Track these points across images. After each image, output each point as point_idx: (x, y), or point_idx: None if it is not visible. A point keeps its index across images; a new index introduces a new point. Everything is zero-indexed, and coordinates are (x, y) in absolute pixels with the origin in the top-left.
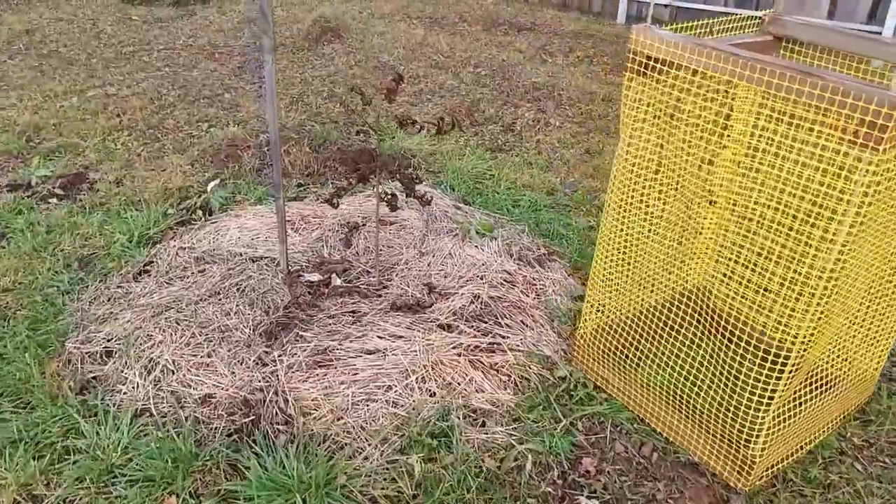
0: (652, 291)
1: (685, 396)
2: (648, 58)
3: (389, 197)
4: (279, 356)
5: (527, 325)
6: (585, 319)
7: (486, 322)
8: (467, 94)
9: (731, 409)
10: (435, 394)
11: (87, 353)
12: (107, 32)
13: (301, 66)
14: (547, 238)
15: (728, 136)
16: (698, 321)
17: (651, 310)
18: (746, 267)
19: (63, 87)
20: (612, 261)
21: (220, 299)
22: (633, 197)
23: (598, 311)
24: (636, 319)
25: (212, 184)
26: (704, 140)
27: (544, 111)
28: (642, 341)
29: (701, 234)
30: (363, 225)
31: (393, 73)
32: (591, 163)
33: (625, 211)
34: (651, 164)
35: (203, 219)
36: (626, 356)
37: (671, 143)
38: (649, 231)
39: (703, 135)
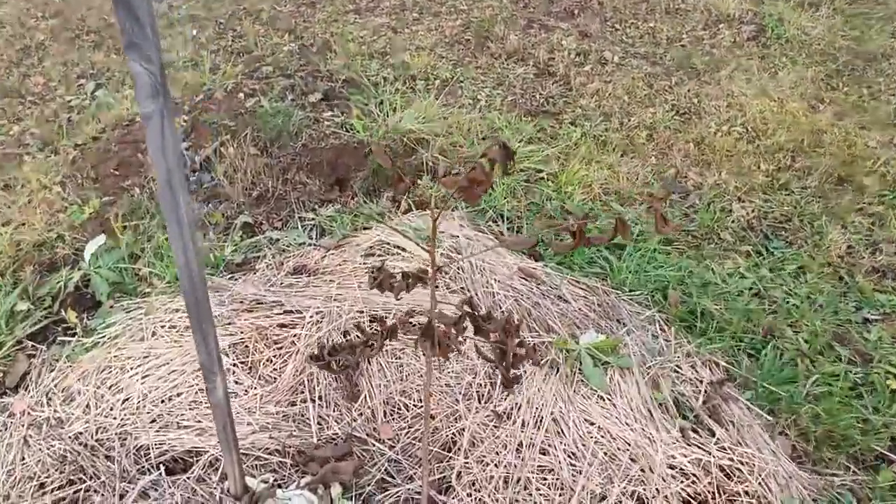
0: None
1: None
2: None
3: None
4: None
5: None
6: None
7: None
8: (471, 8)
9: None
10: None
11: None
12: None
13: None
14: (689, 331)
15: None
16: None
17: None
18: None
19: None
20: None
21: None
22: None
23: None
24: None
25: (93, 244)
26: None
27: (588, 34)
28: None
29: None
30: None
31: None
32: (691, 132)
33: None
34: None
35: (79, 328)
36: None
37: None
38: None
39: None
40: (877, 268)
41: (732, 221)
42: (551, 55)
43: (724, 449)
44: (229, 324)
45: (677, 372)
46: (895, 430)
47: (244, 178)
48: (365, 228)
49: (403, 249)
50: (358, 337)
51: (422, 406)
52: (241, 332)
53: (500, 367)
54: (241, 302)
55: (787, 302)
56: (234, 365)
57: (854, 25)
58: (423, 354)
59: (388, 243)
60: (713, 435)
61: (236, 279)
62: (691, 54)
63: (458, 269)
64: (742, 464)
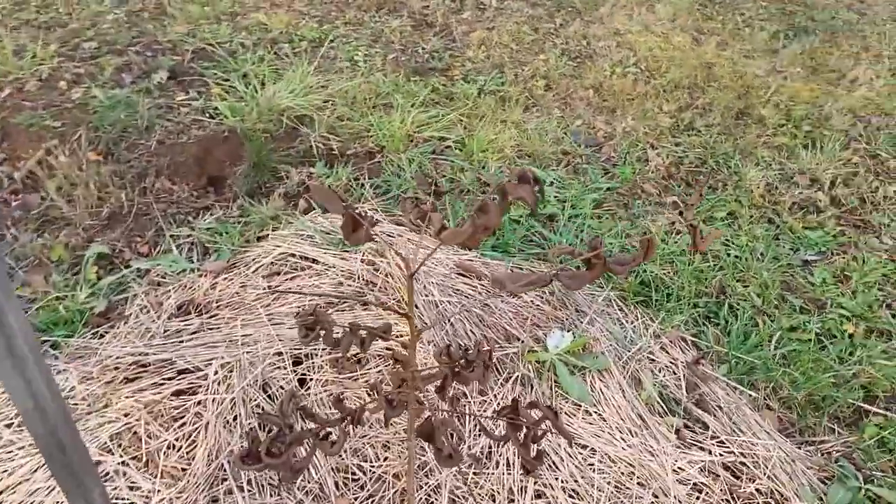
0: None
1: None
2: None
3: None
4: None
5: None
6: None
7: None
8: None
9: None
10: None
11: None
12: None
13: None
14: (646, 306)
15: None
16: None
17: None
18: None
19: None
20: None
21: None
22: None
23: None
24: None
25: None
26: None
27: None
28: None
29: None
30: (346, 423)
31: None
32: (587, 78)
33: None
34: None
35: None
36: None
37: None
38: None
39: None
40: (798, 203)
41: (652, 172)
42: (425, 3)
43: (723, 443)
44: (105, 406)
45: (652, 360)
46: (864, 379)
47: (87, 193)
48: (259, 239)
49: (315, 261)
50: (301, 419)
51: (380, 464)
52: (125, 415)
53: (520, 449)
54: (116, 368)
55: (729, 254)
56: (124, 464)
57: None
58: (406, 440)
59: (294, 255)
60: (707, 428)
61: (103, 336)
62: None
63: (385, 276)
64: (744, 456)
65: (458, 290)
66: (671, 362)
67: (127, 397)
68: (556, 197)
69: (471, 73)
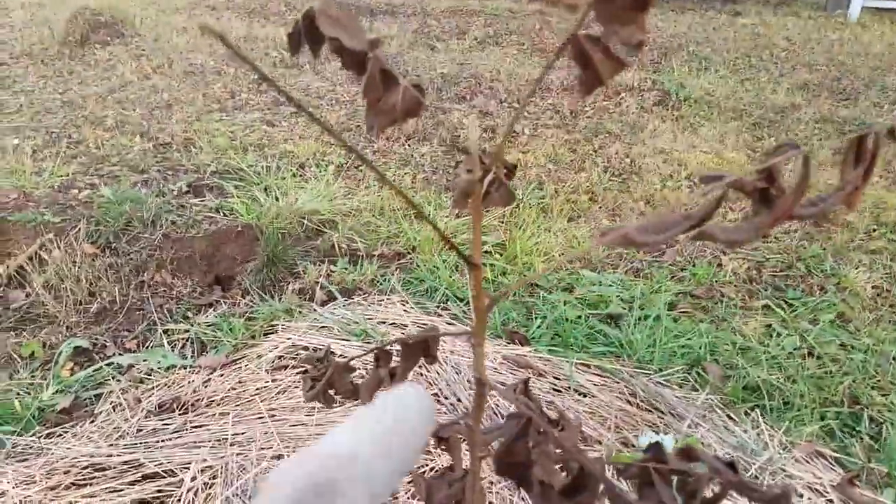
0: None
1: None
2: None
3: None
4: None
5: None
6: None
7: None
8: (353, 99)
9: None
10: None
11: None
12: None
13: (61, 81)
14: (758, 413)
15: None
16: None
17: None
18: None
19: None
20: None
21: None
22: None
23: None
24: None
25: None
26: None
27: (489, 112)
28: None
29: None
30: None
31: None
32: (635, 191)
33: None
34: None
35: None
36: None
37: None
38: None
39: None
40: None
41: (729, 276)
42: (456, 133)
43: None
44: None
45: (788, 476)
46: None
47: (76, 287)
48: (267, 334)
49: (330, 353)
50: None
51: None
52: None
53: None
54: (67, 472)
55: (852, 359)
56: None
57: (748, 87)
58: None
59: (307, 348)
60: None
61: (62, 435)
62: (603, 122)
63: (420, 366)
64: None
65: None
66: (815, 483)
67: None
68: (619, 297)
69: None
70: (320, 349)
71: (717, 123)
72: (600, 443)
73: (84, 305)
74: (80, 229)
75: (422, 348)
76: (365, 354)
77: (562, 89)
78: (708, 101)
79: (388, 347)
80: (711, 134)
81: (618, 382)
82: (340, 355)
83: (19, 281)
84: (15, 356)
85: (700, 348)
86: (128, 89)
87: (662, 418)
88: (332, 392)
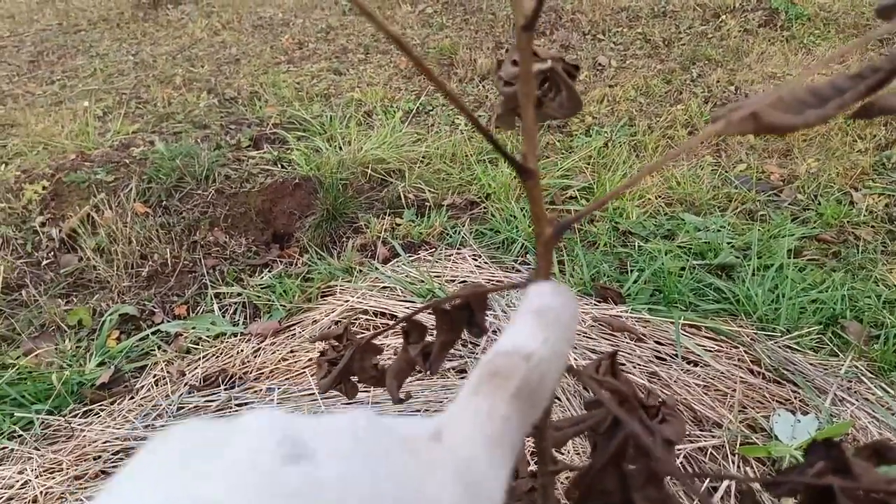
0: None
1: None
2: None
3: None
4: None
5: None
6: None
7: None
8: (424, 41)
9: None
10: None
11: None
12: None
13: (134, 43)
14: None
15: None
16: None
17: None
18: None
19: None
20: None
21: None
22: None
23: None
24: None
25: None
26: None
27: (570, 46)
28: None
29: None
30: None
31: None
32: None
33: None
34: None
35: None
36: None
37: None
38: None
39: None
40: None
41: (864, 215)
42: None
43: None
44: None
45: None
46: None
47: (128, 250)
48: (325, 295)
49: (394, 317)
50: None
51: None
52: None
53: None
54: (97, 458)
55: None
56: None
57: (870, 0)
58: None
59: (367, 311)
60: None
61: (98, 414)
62: (701, 48)
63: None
64: None
65: (603, 352)
66: None
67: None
68: (730, 244)
69: (593, 126)
70: (380, 313)
71: (836, 42)
72: (720, 426)
73: (136, 269)
74: (131, 188)
75: (464, 317)
76: (392, 327)
77: (652, 16)
78: (824, 18)
79: (417, 318)
80: (829, 54)
81: (737, 347)
82: (392, 316)
83: (71, 245)
84: (63, 325)
85: (836, 303)
86: (197, 47)
87: (797, 392)
88: (353, 379)
